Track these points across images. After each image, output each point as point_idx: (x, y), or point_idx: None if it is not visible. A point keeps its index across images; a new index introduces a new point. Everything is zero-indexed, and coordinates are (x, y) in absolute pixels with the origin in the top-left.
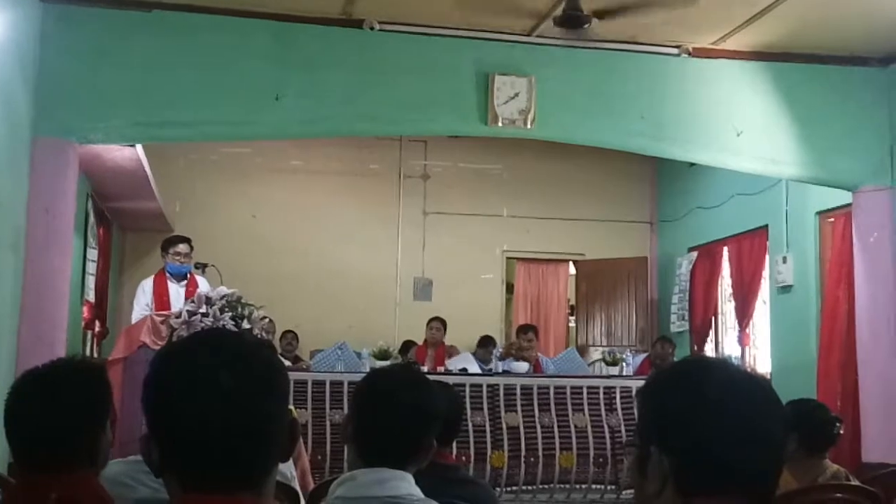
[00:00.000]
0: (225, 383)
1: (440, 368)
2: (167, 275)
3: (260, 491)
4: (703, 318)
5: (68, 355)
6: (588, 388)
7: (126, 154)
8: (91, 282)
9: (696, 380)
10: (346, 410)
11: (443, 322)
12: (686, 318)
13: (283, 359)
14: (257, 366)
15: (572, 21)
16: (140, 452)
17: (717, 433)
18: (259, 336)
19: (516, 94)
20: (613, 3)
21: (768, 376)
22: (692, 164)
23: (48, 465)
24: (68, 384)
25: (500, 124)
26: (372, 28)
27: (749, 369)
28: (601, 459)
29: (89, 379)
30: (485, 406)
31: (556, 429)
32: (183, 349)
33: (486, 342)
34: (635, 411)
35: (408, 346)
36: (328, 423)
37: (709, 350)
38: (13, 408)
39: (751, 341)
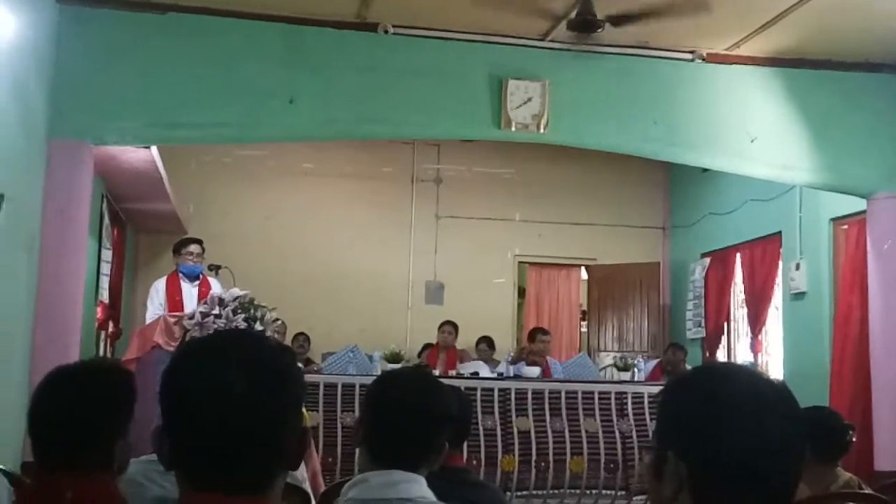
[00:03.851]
0: (237, 385)
1: (451, 372)
2: (180, 275)
3: (263, 495)
4: (715, 325)
5: (98, 356)
6: (599, 393)
7: (141, 156)
8: (105, 282)
9: (715, 386)
10: (357, 413)
11: (454, 326)
12: (702, 324)
13: None
14: (273, 371)
15: (586, 25)
16: (152, 443)
17: (734, 440)
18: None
19: (529, 99)
20: (627, 9)
21: None
22: (705, 170)
23: (66, 464)
24: (95, 384)
25: (513, 128)
26: (386, 31)
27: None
28: (612, 465)
29: (116, 381)
30: (496, 410)
31: (567, 434)
32: (202, 347)
33: (481, 340)
34: (647, 417)
35: (427, 348)
36: (339, 425)
37: (721, 356)
38: (39, 404)
39: (763, 348)
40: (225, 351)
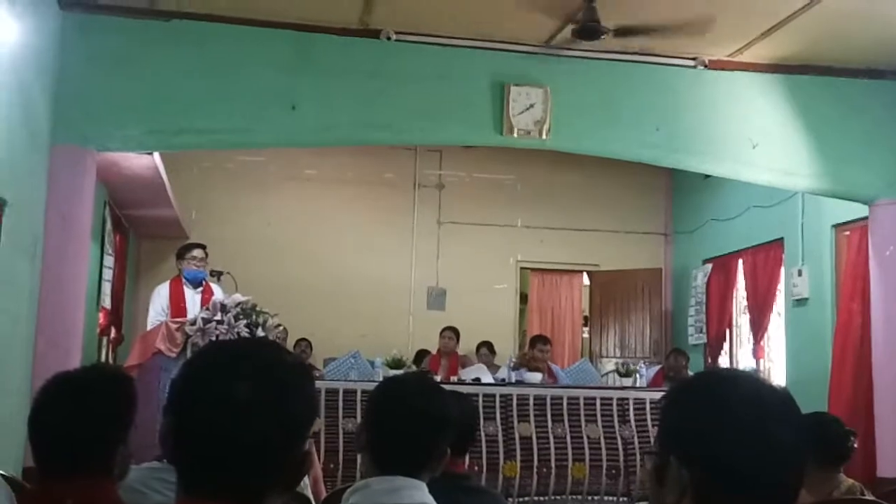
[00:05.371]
0: (239, 394)
1: (453, 378)
2: (184, 280)
3: None
4: (717, 331)
5: (98, 362)
6: (601, 399)
7: (143, 162)
8: (107, 288)
9: (718, 392)
10: (358, 419)
11: (456, 331)
12: (703, 330)
13: None
14: (281, 388)
15: (589, 32)
16: (159, 439)
17: (737, 446)
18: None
19: (531, 105)
20: (633, 23)
21: None
22: (707, 176)
23: (67, 470)
24: (96, 390)
25: (515, 135)
26: (389, 38)
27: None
28: (613, 471)
29: (117, 387)
30: (497, 416)
31: (568, 439)
32: (218, 351)
33: (482, 345)
34: (649, 423)
35: (421, 355)
36: (341, 431)
37: (723, 363)
38: (40, 409)
39: (765, 354)
40: (239, 359)
